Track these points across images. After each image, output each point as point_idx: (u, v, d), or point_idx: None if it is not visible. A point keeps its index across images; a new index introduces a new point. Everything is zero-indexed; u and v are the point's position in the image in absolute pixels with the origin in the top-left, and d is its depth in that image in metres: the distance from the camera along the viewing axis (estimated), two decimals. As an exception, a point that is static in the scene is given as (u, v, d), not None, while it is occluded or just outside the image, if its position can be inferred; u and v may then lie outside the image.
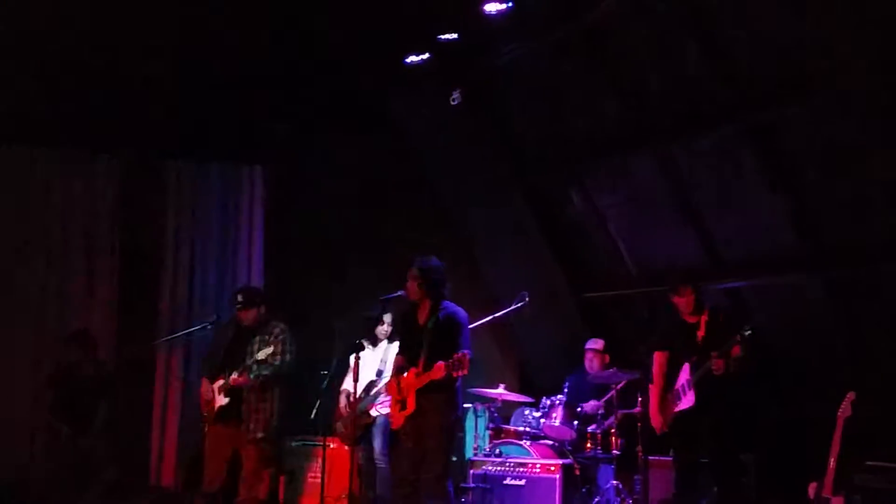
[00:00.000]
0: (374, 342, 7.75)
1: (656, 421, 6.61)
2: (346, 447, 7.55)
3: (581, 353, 8.34)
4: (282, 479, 8.00)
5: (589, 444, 7.68)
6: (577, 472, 7.47)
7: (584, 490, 7.50)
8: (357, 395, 7.27)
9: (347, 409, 7.49)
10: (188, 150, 8.87)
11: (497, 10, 7.23)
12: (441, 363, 6.01)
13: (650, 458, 7.07)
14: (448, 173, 9.48)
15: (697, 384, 6.33)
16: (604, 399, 7.80)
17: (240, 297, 7.34)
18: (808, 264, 7.04)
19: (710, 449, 6.37)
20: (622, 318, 8.75)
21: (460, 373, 6.02)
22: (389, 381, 6.62)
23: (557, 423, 7.78)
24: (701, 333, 6.43)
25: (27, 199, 8.46)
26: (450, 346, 6.15)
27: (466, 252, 9.60)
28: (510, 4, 7.18)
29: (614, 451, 7.55)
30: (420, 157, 9.54)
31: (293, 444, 8.12)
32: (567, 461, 7.47)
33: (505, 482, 7.44)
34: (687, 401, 6.37)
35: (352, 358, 6.86)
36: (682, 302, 6.50)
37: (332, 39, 8.47)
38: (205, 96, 8.49)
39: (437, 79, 8.33)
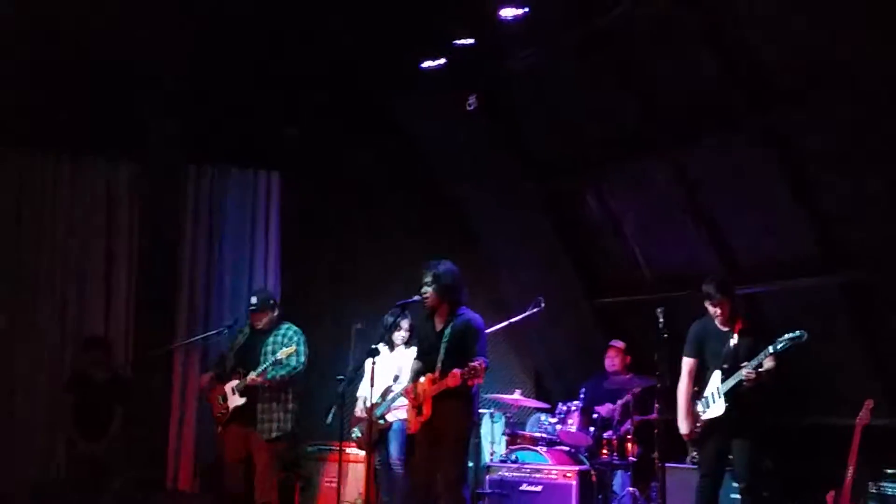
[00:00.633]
0: (391, 347, 7.77)
1: (685, 427, 6.50)
2: (363, 452, 7.57)
3: (597, 357, 8.33)
4: (297, 484, 8.03)
5: (605, 451, 7.68)
6: (594, 479, 7.46)
7: (599, 497, 7.50)
8: (373, 401, 7.28)
9: (363, 415, 7.51)
10: (206, 156, 8.89)
11: (513, 15, 7.23)
12: (457, 371, 6.00)
13: (667, 464, 7.04)
14: (463, 178, 9.48)
15: (727, 394, 6.26)
16: (620, 403, 7.79)
17: (254, 300, 7.42)
18: (825, 269, 6.99)
19: (737, 459, 6.28)
20: (637, 323, 8.73)
21: (475, 381, 6.02)
22: (407, 386, 6.62)
23: (573, 428, 7.77)
24: (734, 342, 6.36)
25: (48, 205, 8.49)
26: (466, 353, 6.15)
27: (482, 257, 9.60)
28: (526, 9, 7.18)
29: (631, 458, 7.54)
30: (436, 162, 9.55)
31: (309, 449, 8.15)
32: (583, 467, 7.46)
33: (521, 488, 7.45)
34: (716, 409, 6.30)
35: (368, 363, 6.87)
36: (718, 310, 6.43)
37: (348, 44, 8.48)
38: (223, 101, 8.53)
39: (452, 83, 8.33)
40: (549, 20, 7.38)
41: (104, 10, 7.65)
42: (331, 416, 7.25)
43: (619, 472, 7.68)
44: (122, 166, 8.69)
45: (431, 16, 7.83)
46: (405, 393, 6.63)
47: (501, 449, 7.96)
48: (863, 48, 6.10)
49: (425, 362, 6.42)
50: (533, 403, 8.28)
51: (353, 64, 8.69)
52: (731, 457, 6.31)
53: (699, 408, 6.40)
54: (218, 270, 8.88)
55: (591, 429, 7.75)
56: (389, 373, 7.61)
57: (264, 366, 7.15)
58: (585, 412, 7.81)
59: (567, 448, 7.76)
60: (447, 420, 6.21)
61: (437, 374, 6.23)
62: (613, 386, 7.92)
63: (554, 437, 7.85)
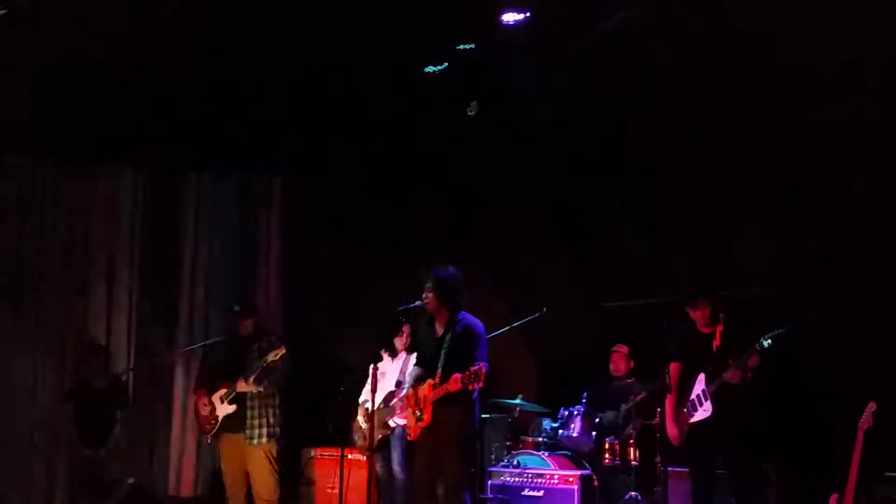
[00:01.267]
0: (394, 353, 7.75)
1: (672, 432, 6.59)
2: (365, 458, 7.55)
3: (600, 362, 8.31)
4: (300, 489, 8.02)
5: (607, 456, 7.65)
6: (596, 483, 7.44)
7: (602, 501, 7.46)
8: (376, 406, 7.27)
9: (366, 420, 7.49)
10: (207, 163, 8.89)
11: (515, 20, 7.23)
12: (457, 375, 5.98)
13: (669, 469, 7.03)
14: (467, 181, 9.47)
15: (714, 395, 6.30)
16: (625, 408, 7.77)
17: (237, 308, 7.35)
18: (829, 274, 6.98)
19: (728, 459, 6.32)
20: (641, 328, 8.70)
21: (476, 386, 6.00)
22: (407, 391, 6.61)
23: (576, 433, 7.75)
24: (716, 343, 6.39)
25: (49, 212, 8.51)
26: (466, 358, 6.12)
27: (485, 260, 9.58)
28: (528, 14, 7.18)
29: (633, 463, 7.51)
30: (439, 165, 9.54)
31: (311, 454, 8.13)
32: (585, 472, 7.44)
33: (523, 493, 7.43)
34: (703, 411, 6.34)
35: (370, 368, 6.86)
36: (698, 314, 6.48)
37: (351, 48, 8.47)
38: (224, 108, 8.52)
39: (455, 87, 8.33)
40: (551, 25, 7.38)
41: (103, 14, 7.65)
42: (332, 422, 7.23)
43: (622, 477, 7.64)
44: (123, 172, 8.70)
45: (434, 21, 7.82)
46: (405, 398, 6.61)
47: (503, 454, 7.94)
48: (874, 53, 6.10)
49: (425, 368, 6.41)
50: (535, 408, 8.26)
51: (356, 67, 8.68)
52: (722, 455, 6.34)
53: (686, 411, 6.43)
54: (219, 276, 8.88)
55: (594, 433, 7.73)
56: (392, 378, 7.60)
57: (256, 371, 7.08)
58: (588, 417, 7.79)
59: (569, 453, 7.74)
60: (448, 425, 6.18)
61: (437, 379, 6.21)
62: (617, 389, 7.91)
63: (556, 442, 7.83)
